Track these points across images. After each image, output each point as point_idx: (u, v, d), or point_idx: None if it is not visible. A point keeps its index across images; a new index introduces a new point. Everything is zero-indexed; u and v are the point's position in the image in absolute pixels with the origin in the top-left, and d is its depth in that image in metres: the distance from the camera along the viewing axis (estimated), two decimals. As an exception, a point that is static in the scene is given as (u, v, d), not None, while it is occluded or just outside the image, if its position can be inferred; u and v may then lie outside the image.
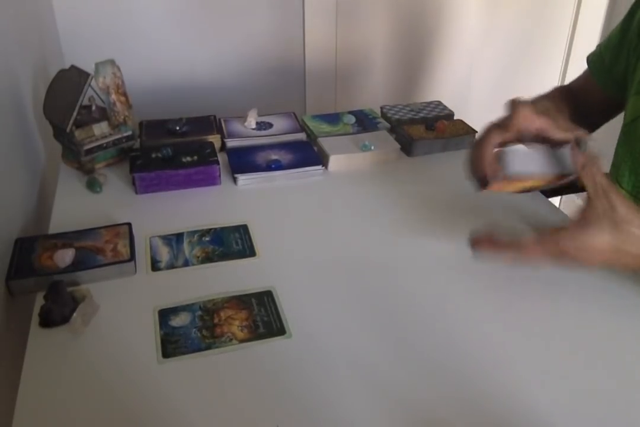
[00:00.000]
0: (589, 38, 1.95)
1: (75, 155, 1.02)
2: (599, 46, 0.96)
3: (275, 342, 0.68)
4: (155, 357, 0.66)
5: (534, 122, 0.73)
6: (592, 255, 0.65)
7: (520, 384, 0.63)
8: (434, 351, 0.67)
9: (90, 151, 1.01)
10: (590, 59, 0.97)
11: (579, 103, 0.98)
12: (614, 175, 0.92)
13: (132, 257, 0.79)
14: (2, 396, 0.70)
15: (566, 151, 0.74)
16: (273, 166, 1.02)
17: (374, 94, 1.91)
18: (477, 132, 1.14)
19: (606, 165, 0.91)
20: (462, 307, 0.74)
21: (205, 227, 0.88)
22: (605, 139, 0.90)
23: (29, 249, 0.80)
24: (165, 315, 0.72)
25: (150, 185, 0.98)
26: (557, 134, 0.73)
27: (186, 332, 0.69)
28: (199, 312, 0.72)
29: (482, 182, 0.76)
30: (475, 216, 0.90)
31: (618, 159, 0.91)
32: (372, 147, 1.07)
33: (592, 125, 1.02)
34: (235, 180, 1.01)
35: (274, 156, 1.05)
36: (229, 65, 1.73)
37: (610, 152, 0.94)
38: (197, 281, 0.78)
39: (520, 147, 0.75)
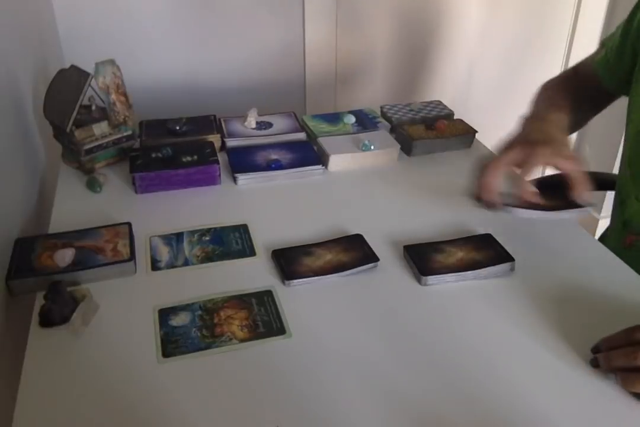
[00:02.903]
0: (589, 38, 1.95)
1: (75, 155, 1.02)
2: (604, 45, 0.99)
3: (275, 342, 0.68)
4: (155, 357, 0.66)
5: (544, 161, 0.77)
6: None
7: (521, 383, 0.63)
8: (435, 349, 0.67)
9: (90, 151, 1.01)
10: (597, 59, 1.00)
11: (580, 86, 1.02)
12: (633, 187, 0.90)
13: (132, 256, 0.79)
14: (2, 396, 0.70)
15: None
16: (273, 166, 1.02)
17: (374, 93, 1.91)
18: (477, 131, 1.14)
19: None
20: (462, 304, 0.74)
21: (205, 227, 0.88)
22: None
23: (29, 249, 0.80)
24: (165, 315, 0.72)
25: (150, 185, 0.98)
26: (562, 165, 0.77)
27: (186, 332, 0.69)
28: (199, 312, 0.72)
29: (488, 204, 0.83)
30: (476, 215, 0.90)
31: (632, 169, 0.90)
32: (372, 147, 1.07)
33: (586, 112, 1.04)
34: (235, 180, 1.01)
35: (274, 156, 1.05)
36: (229, 64, 1.73)
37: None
38: (197, 280, 0.78)
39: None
